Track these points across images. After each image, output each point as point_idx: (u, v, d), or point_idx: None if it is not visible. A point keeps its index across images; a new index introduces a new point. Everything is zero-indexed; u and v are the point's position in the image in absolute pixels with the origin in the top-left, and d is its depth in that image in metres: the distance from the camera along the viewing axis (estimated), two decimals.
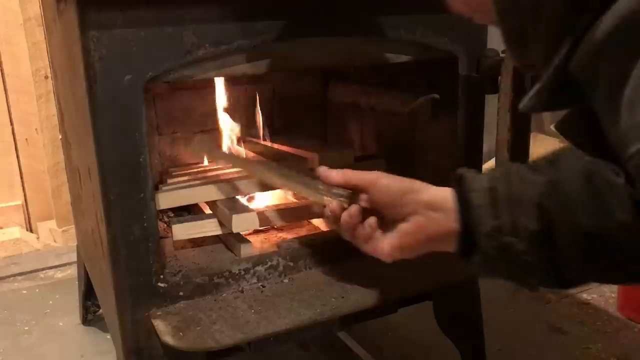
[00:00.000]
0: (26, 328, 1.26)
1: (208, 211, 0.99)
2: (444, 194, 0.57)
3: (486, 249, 0.52)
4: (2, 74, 1.68)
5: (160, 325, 0.72)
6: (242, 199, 0.98)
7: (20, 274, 1.53)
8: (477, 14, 0.50)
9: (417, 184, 0.60)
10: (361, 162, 1.05)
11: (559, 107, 0.46)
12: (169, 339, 0.69)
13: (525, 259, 0.50)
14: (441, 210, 0.57)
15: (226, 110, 1.17)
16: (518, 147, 0.93)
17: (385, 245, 0.61)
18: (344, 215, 0.64)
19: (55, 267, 1.57)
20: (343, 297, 0.78)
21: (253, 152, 1.04)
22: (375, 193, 0.62)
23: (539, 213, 0.49)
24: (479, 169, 0.94)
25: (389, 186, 0.61)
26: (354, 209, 0.63)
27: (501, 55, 0.89)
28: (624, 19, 0.35)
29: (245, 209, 0.91)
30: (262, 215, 0.94)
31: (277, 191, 1.04)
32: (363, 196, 0.63)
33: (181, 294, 0.77)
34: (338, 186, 0.66)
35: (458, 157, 0.92)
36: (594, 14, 0.37)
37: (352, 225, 0.63)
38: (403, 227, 0.60)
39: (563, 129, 0.47)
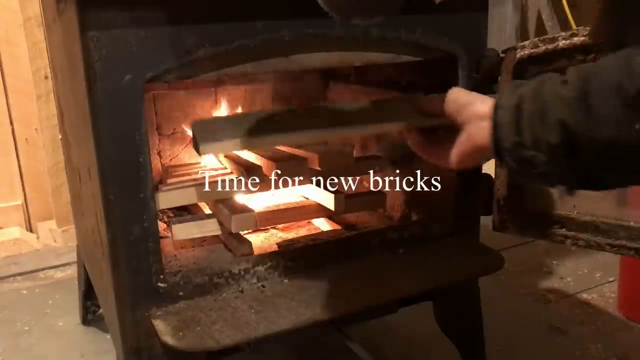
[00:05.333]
0: (26, 328, 1.26)
1: (208, 211, 0.99)
2: (489, 108, 0.60)
3: (509, 161, 0.56)
4: (2, 74, 1.68)
5: (160, 325, 0.72)
6: (242, 199, 0.99)
7: (20, 274, 1.53)
8: None
9: (477, 98, 0.63)
10: (361, 162, 1.05)
11: None
12: (168, 339, 0.69)
13: (547, 169, 0.53)
14: (486, 121, 0.60)
15: (226, 110, 1.17)
16: None
17: (451, 155, 0.66)
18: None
19: (55, 267, 1.57)
20: (343, 297, 0.78)
21: (253, 152, 1.04)
22: (447, 105, 0.66)
23: (561, 128, 0.50)
24: (479, 169, 0.94)
25: (456, 97, 0.65)
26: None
27: (501, 55, 0.89)
28: None
29: (245, 209, 0.91)
30: (262, 215, 0.94)
31: (277, 191, 1.04)
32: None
33: (181, 294, 0.77)
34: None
35: None
36: None
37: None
38: (459, 138, 0.64)
39: None
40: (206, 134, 0.70)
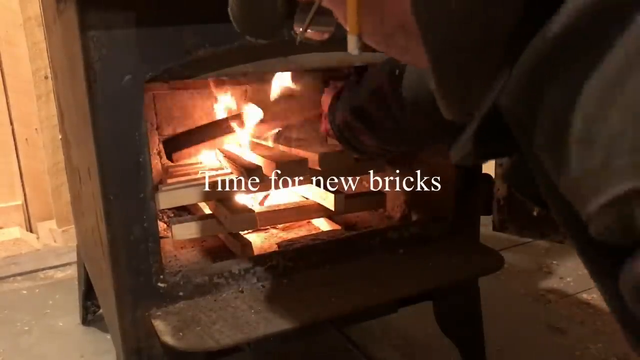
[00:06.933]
0: (26, 328, 1.26)
1: (208, 211, 0.99)
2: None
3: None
4: (2, 74, 1.68)
5: (160, 325, 0.72)
6: (242, 199, 0.99)
7: (20, 274, 1.53)
8: (391, 49, 0.39)
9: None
10: (361, 162, 1.04)
11: (496, 156, 0.36)
12: (168, 339, 0.69)
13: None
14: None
15: (226, 109, 1.17)
16: None
17: None
18: None
19: (55, 267, 1.57)
20: (343, 297, 0.78)
21: (253, 152, 1.04)
22: None
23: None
24: (479, 169, 0.94)
25: None
26: None
27: None
28: (568, 24, 0.26)
29: (245, 209, 0.91)
30: (262, 215, 0.94)
31: (278, 191, 1.04)
32: None
33: (181, 294, 0.77)
34: None
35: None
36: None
37: None
38: None
39: (510, 179, 0.37)
40: (172, 145, 1.10)
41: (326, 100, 0.89)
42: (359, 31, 0.36)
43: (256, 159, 1.00)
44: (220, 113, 1.16)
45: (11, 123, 1.72)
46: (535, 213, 0.92)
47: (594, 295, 1.34)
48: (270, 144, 1.14)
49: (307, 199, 1.05)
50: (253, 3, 0.46)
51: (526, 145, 0.30)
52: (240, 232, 0.93)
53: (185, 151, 1.10)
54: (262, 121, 1.10)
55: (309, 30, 0.44)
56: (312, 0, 0.41)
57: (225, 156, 1.05)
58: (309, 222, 1.06)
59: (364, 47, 0.38)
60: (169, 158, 1.10)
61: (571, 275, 1.44)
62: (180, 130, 1.19)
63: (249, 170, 0.91)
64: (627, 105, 0.24)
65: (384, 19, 0.36)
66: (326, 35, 0.46)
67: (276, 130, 1.12)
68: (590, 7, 0.25)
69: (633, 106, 0.23)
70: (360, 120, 0.81)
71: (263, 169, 0.94)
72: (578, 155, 0.26)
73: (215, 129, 1.10)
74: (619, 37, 0.24)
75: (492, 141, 0.32)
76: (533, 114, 0.28)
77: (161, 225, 0.99)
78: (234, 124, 1.10)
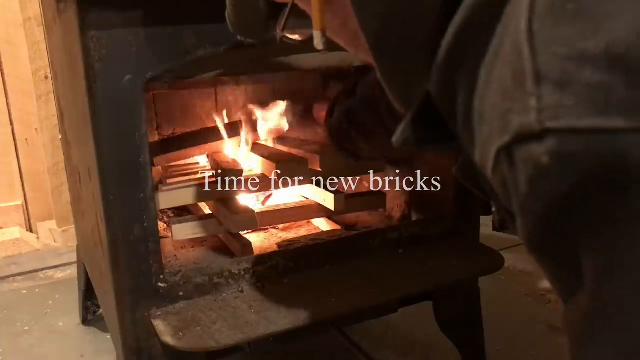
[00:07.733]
0: (26, 328, 1.26)
1: (208, 211, 1.00)
2: None
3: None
4: (2, 74, 1.68)
5: (160, 325, 0.72)
6: (242, 199, 0.99)
7: (20, 274, 1.53)
8: (358, 49, 0.41)
9: None
10: (362, 162, 1.05)
11: (437, 143, 0.37)
12: (168, 339, 0.69)
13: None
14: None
15: (226, 110, 1.17)
16: None
17: None
18: None
19: (55, 267, 1.57)
20: (343, 297, 0.78)
21: (252, 152, 1.04)
22: None
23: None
24: None
25: None
26: None
27: None
28: (465, 17, 0.28)
29: (245, 209, 0.91)
30: (262, 215, 0.94)
31: (278, 191, 1.04)
32: None
33: (181, 294, 0.77)
34: None
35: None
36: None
37: None
38: None
39: (460, 173, 0.39)
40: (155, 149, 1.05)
41: (321, 108, 0.92)
42: (322, 27, 0.39)
43: (256, 159, 1.00)
44: (218, 117, 1.15)
45: (11, 123, 1.72)
46: (493, 208, 0.93)
47: None
48: (270, 144, 1.14)
49: (307, 199, 1.05)
50: (239, 3, 0.47)
51: (455, 130, 0.32)
52: (240, 232, 0.93)
53: (170, 155, 1.08)
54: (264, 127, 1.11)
55: (286, 31, 0.46)
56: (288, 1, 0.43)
57: (210, 158, 1.05)
58: (309, 222, 1.06)
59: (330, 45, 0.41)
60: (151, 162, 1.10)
61: None
62: (180, 130, 1.19)
63: (224, 171, 0.91)
64: (496, 79, 0.27)
65: (347, 20, 0.38)
66: (303, 37, 0.48)
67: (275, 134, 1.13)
68: (477, 2, 0.28)
69: (499, 81, 0.26)
70: (353, 126, 0.82)
71: (263, 169, 0.94)
72: (477, 131, 0.29)
73: (204, 136, 1.09)
74: (497, 27, 0.27)
75: (432, 128, 0.34)
76: (453, 101, 0.30)
77: (161, 225, 0.99)
78: (229, 131, 1.09)
